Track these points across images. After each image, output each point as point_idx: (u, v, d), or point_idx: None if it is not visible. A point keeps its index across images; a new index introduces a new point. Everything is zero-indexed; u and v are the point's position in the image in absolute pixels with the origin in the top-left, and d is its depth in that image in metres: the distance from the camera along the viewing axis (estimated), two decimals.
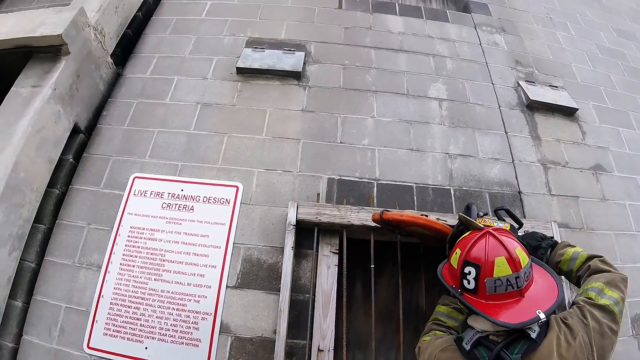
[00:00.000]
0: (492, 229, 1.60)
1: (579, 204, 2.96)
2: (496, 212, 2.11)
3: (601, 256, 1.72)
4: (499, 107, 3.35)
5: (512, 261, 1.48)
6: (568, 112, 3.43)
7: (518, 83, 3.54)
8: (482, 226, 1.68)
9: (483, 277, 1.48)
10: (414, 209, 2.70)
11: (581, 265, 1.73)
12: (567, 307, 1.64)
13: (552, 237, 1.98)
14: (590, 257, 1.73)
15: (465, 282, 1.54)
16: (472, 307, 1.50)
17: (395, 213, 2.21)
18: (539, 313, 1.41)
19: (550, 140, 3.24)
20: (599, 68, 3.98)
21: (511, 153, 3.10)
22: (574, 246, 1.84)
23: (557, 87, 3.60)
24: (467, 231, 1.73)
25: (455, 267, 1.59)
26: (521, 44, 3.96)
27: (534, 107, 3.38)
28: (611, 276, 1.60)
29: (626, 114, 3.65)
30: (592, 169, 3.17)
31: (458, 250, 1.61)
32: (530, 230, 2.17)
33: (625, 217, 3.00)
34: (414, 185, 2.86)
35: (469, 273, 1.52)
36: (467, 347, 1.49)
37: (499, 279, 1.47)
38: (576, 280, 1.74)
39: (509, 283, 1.47)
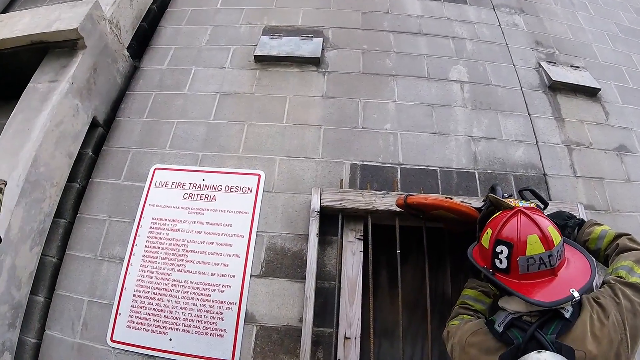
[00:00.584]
0: (523, 208, 1.55)
1: (604, 186, 2.91)
2: (521, 193, 2.07)
3: (629, 234, 1.67)
4: (521, 88, 3.30)
5: (545, 239, 1.43)
6: (590, 93, 3.36)
7: (539, 64, 3.48)
8: (513, 205, 1.63)
9: (516, 255, 1.44)
10: (439, 193, 2.66)
11: (609, 243, 1.69)
12: (598, 287, 1.59)
13: (579, 217, 1.93)
14: (619, 236, 1.68)
15: (497, 261, 1.49)
16: (505, 286, 1.46)
17: (419, 197, 2.17)
18: (573, 292, 1.37)
19: (573, 121, 3.18)
20: (619, 48, 3.90)
21: (535, 135, 3.04)
22: (602, 224, 1.80)
23: (578, 67, 3.54)
24: (498, 211, 1.69)
25: (487, 247, 1.55)
26: (541, 25, 3.89)
27: (556, 88, 3.32)
28: None
29: None
30: (616, 150, 3.10)
31: (489, 230, 1.57)
32: (556, 210, 2.12)
33: None
34: (438, 169, 2.82)
35: (501, 252, 1.48)
36: (500, 329, 1.44)
37: (532, 257, 1.42)
38: (604, 258, 1.70)
39: (542, 261, 1.42)
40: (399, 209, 2.33)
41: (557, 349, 1.26)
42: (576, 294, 1.36)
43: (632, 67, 3.75)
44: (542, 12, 4.02)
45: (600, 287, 1.52)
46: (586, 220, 1.87)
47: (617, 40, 3.97)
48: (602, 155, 3.06)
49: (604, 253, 1.70)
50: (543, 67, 3.43)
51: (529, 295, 1.39)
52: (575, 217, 1.90)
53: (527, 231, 1.45)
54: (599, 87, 3.36)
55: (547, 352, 1.23)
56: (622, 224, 2.74)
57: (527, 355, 1.25)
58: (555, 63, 3.51)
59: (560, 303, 1.36)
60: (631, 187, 2.94)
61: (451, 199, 2.17)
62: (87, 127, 2.87)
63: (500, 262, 1.48)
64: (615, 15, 4.26)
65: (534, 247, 1.43)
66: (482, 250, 1.60)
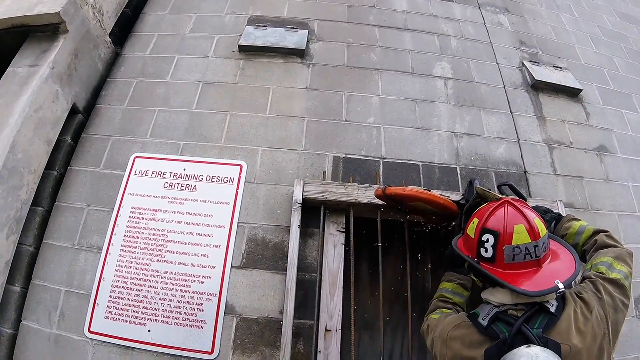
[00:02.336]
0: (510, 199, 1.56)
1: (583, 184, 2.96)
2: (499, 188, 2.07)
3: (607, 231, 1.70)
4: (504, 86, 3.33)
5: (532, 230, 1.44)
6: (572, 93, 3.42)
7: (523, 63, 3.52)
8: (501, 196, 1.64)
9: (502, 244, 1.44)
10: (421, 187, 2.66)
11: (587, 239, 1.71)
12: (578, 282, 1.61)
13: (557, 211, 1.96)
14: (597, 232, 1.70)
15: (482, 250, 1.50)
16: (490, 274, 1.46)
17: (398, 188, 2.17)
18: (558, 283, 1.36)
19: (555, 120, 3.23)
20: (602, 50, 3.98)
21: (517, 133, 3.08)
22: (579, 219, 1.81)
23: (561, 68, 3.59)
24: (484, 203, 1.69)
25: (473, 237, 1.55)
26: (525, 25, 3.94)
27: (538, 87, 3.36)
28: (619, 251, 1.58)
29: (629, 96, 3.65)
30: (596, 150, 3.16)
31: (475, 220, 1.57)
32: (533, 205, 2.14)
33: (629, 198, 3.00)
34: (420, 163, 2.83)
35: (487, 241, 1.48)
36: (485, 323, 1.43)
37: (517, 246, 1.43)
38: (581, 254, 1.71)
39: (527, 252, 1.43)
40: (381, 202, 2.34)
41: (544, 343, 1.26)
42: (561, 285, 1.36)
43: (614, 69, 3.83)
44: (526, 13, 4.07)
45: (581, 283, 1.53)
46: (564, 215, 1.89)
47: (600, 43, 4.04)
48: (582, 154, 3.11)
49: (581, 248, 1.72)
50: (526, 67, 3.47)
51: (514, 284, 1.40)
52: (553, 211, 1.91)
53: (514, 221, 1.46)
54: (581, 88, 3.42)
55: (537, 346, 1.23)
56: (601, 222, 2.79)
57: (516, 349, 1.24)
58: (538, 63, 3.56)
59: (545, 293, 1.37)
60: (610, 187, 3.01)
61: (429, 191, 2.18)
62: (67, 114, 2.80)
63: (486, 250, 1.49)
64: (598, 18, 4.33)
65: (520, 236, 1.44)
66: (467, 240, 1.61)
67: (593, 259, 1.60)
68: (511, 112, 3.18)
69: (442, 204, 2.04)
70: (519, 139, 3.05)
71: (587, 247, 1.69)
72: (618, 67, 3.87)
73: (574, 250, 1.60)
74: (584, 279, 1.54)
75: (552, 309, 1.37)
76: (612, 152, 3.19)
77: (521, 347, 1.24)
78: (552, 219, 1.86)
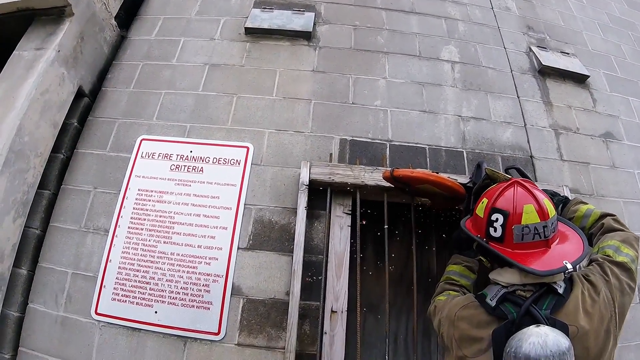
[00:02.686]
0: (520, 180, 1.56)
1: (589, 171, 2.96)
2: (506, 171, 2.07)
3: (614, 215, 1.70)
4: (511, 71, 3.31)
5: (541, 210, 1.44)
6: (579, 79, 3.40)
7: (530, 48, 3.50)
8: (510, 177, 1.64)
9: (511, 224, 1.44)
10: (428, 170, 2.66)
11: (594, 222, 1.71)
12: (585, 265, 1.61)
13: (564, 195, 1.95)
14: (604, 215, 1.70)
15: (491, 229, 1.49)
16: (499, 254, 1.46)
17: (406, 170, 2.16)
18: (566, 263, 1.37)
19: (561, 106, 3.22)
20: (609, 37, 3.95)
21: (523, 117, 3.07)
22: (587, 203, 1.81)
23: (568, 53, 3.57)
24: (493, 184, 1.69)
25: (482, 216, 1.55)
26: (532, 10, 3.91)
27: (545, 72, 3.34)
28: (625, 234, 1.58)
29: (636, 83, 3.63)
30: (603, 137, 3.16)
31: (485, 200, 1.57)
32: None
33: (634, 186, 3.00)
34: (427, 147, 2.83)
35: (496, 220, 1.48)
36: (493, 303, 1.43)
37: (527, 226, 1.43)
38: (588, 237, 1.70)
39: (536, 231, 1.43)
40: (388, 185, 2.34)
41: (551, 324, 1.26)
42: (569, 266, 1.36)
43: (621, 56, 3.81)
44: None
45: (588, 265, 1.53)
46: (571, 199, 1.88)
47: (608, 30, 4.01)
48: (589, 140, 3.11)
49: (588, 232, 1.71)
50: (533, 52, 3.45)
51: (523, 264, 1.40)
52: (560, 194, 1.91)
53: (524, 201, 1.46)
54: (588, 74, 3.40)
55: (546, 326, 1.23)
56: (606, 208, 2.67)
57: (526, 329, 1.24)
58: (545, 48, 3.54)
59: (554, 273, 1.37)
60: (616, 173, 3.01)
61: (437, 173, 2.17)
62: (73, 97, 2.80)
63: (495, 230, 1.48)
64: (606, 5, 4.30)
65: (530, 216, 1.43)
66: (476, 220, 1.60)
67: (600, 242, 1.60)
68: (518, 97, 3.16)
69: (449, 187, 2.04)
70: (525, 124, 3.04)
71: (593, 230, 1.69)
72: (625, 54, 3.85)
73: (582, 233, 1.60)
74: (591, 261, 1.54)
75: (560, 291, 1.37)
76: (618, 139, 3.18)
77: (530, 326, 1.23)
78: (560, 202, 1.86)
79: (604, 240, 1.59)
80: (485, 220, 1.52)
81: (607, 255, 1.51)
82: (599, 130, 3.18)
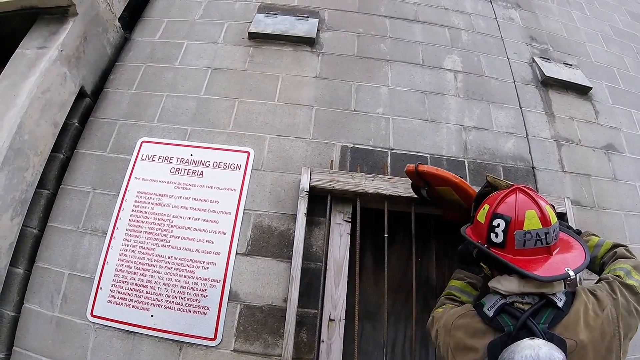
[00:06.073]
0: (522, 186, 1.55)
1: (590, 182, 2.94)
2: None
3: (626, 246, 1.69)
4: (514, 81, 3.31)
5: (543, 216, 1.43)
6: (582, 91, 3.39)
7: (533, 59, 3.50)
8: (512, 184, 1.63)
9: (512, 229, 1.43)
10: None
11: (606, 252, 1.70)
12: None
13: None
14: (616, 245, 1.70)
15: (492, 235, 1.48)
16: (501, 259, 1.44)
17: (431, 167, 2.10)
18: (568, 270, 1.36)
19: (563, 117, 3.21)
20: (612, 49, 3.95)
21: (525, 128, 3.06)
22: (598, 235, 1.80)
23: (571, 65, 3.56)
24: (494, 192, 1.68)
25: (483, 222, 1.54)
26: (536, 21, 3.91)
27: (548, 83, 3.34)
28: (638, 262, 1.57)
29: (638, 95, 3.63)
30: (604, 149, 3.15)
31: (486, 206, 1.56)
32: None
33: (636, 198, 2.98)
34: (428, 155, 2.82)
35: (498, 225, 1.47)
36: (490, 314, 1.42)
37: (528, 232, 1.42)
38: (599, 267, 1.70)
39: (538, 238, 1.42)
40: (388, 193, 2.35)
41: (549, 338, 1.24)
42: (571, 273, 1.35)
43: (624, 68, 3.80)
44: (537, 9, 4.03)
45: (596, 283, 1.51)
46: (582, 231, 1.85)
47: (611, 42, 4.01)
48: (590, 152, 3.09)
49: (600, 261, 1.70)
50: (536, 62, 3.44)
51: (525, 269, 1.38)
52: (571, 227, 1.89)
53: (526, 207, 1.45)
54: (591, 86, 3.39)
55: (540, 339, 1.21)
56: (607, 221, 2.80)
57: (520, 341, 1.22)
58: (548, 59, 3.54)
59: (556, 279, 1.36)
60: (617, 186, 2.99)
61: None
62: (74, 97, 2.79)
63: (496, 235, 1.47)
64: (610, 17, 4.30)
65: (532, 222, 1.43)
66: (477, 227, 1.59)
67: (611, 265, 1.59)
68: (520, 108, 3.16)
69: (470, 195, 1.98)
70: (527, 135, 3.03)
71: (605, 259, 1.68)
72: (628, 66, 3.84)
73: (583, 242, 1.60)
74: (599, 280, 1.53)
75: (560, 304, 1.35)
76: (620, 151, 3.17)
77: (524, 339, 1.22)
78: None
79: (617, 263, 1.58)
80: (487, 226, 1.51)
81: (618, 276, 1.49)
82: (601, 142, 3.17)
